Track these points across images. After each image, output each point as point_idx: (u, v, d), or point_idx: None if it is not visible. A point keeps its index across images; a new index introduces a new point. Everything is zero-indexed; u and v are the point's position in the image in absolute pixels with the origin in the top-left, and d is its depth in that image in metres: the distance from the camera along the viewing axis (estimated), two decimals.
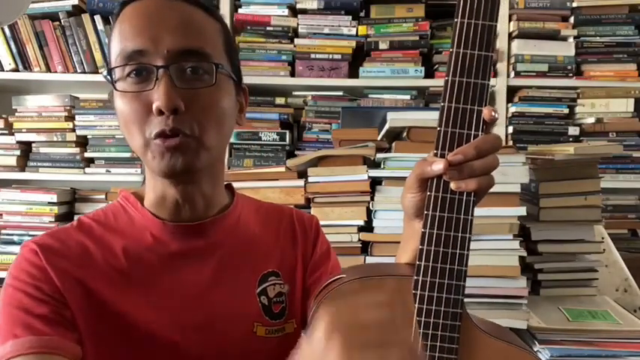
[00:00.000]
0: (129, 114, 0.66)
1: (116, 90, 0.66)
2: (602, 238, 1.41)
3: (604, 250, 1.38)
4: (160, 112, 0.63)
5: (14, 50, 2.01)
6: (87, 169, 2.05)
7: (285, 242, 0.82)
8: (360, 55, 2.05)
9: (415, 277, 0.65)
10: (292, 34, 2.05)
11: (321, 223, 0.88)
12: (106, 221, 0.73)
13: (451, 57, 0.64)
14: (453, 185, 0.64)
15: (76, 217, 2.07)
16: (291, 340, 0.78)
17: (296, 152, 2.05)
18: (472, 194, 0.64)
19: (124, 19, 0.67)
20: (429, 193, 0.65)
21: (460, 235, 0.64)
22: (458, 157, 0.62)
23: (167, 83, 0.63)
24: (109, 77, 0.67)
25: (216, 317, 0.71)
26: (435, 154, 0.64)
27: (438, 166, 0.63)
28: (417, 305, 0.64)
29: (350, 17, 2.02)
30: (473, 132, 0.63)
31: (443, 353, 0.64)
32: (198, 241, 0.72)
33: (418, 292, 0.64)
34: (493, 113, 0.63)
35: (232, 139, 1.99)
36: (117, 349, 0.66)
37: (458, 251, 0.64)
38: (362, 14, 2.07)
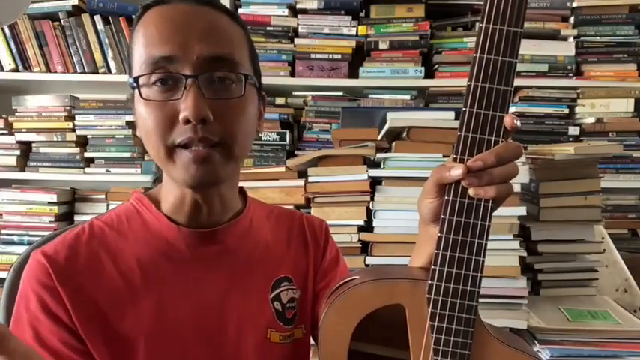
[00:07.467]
0: (151, 122, 0.64)
1: (141, 97, 0.64)
2: (602, 238, 1.41)
3: (604, 250, 1.38)
4: (187, 122, 0.62)
5: (14, 50, 2.01)
6: (87, 169, 2.05)
7: (296, 248, 0.81)
8: (360, 55, 2.05)
9: (430, 282, 0.64)
10: (292, 34, 2.04)
11: None
12: (118, 226, 0.71)
13: (474, 62, 0.62)
14: (471, 192, 0.63)
15: (76, 218, 2.08)
16: (300, 346, 0.78)
17: (296, 152, 2.04)
18: (490, 201, 0.63)
19: (148, 24, 0.65)
20: (446, 198, 0.64)
21: (477, 240, 0.63)
22: (477, 163, 0.61)
23: (195, 93, 0.62)
24: (134, 84, 0.65)
25: (230, 324, 0.71)
26: (455, 159, 0.63)
27: (457, 171, 0.62)
28: (430, 309, 0.64)
29: (350, 17, 2.02)
30: (493, 138, 0.62)
31: (455, 358, 0.63)
32: (212, 247, 0.72)
33: (432, 296, 0.64)
34: (515, 121, 0.62)
35: None
36: None
37: (474, 257, 0.63)
38: (362, 14, 2.06)
